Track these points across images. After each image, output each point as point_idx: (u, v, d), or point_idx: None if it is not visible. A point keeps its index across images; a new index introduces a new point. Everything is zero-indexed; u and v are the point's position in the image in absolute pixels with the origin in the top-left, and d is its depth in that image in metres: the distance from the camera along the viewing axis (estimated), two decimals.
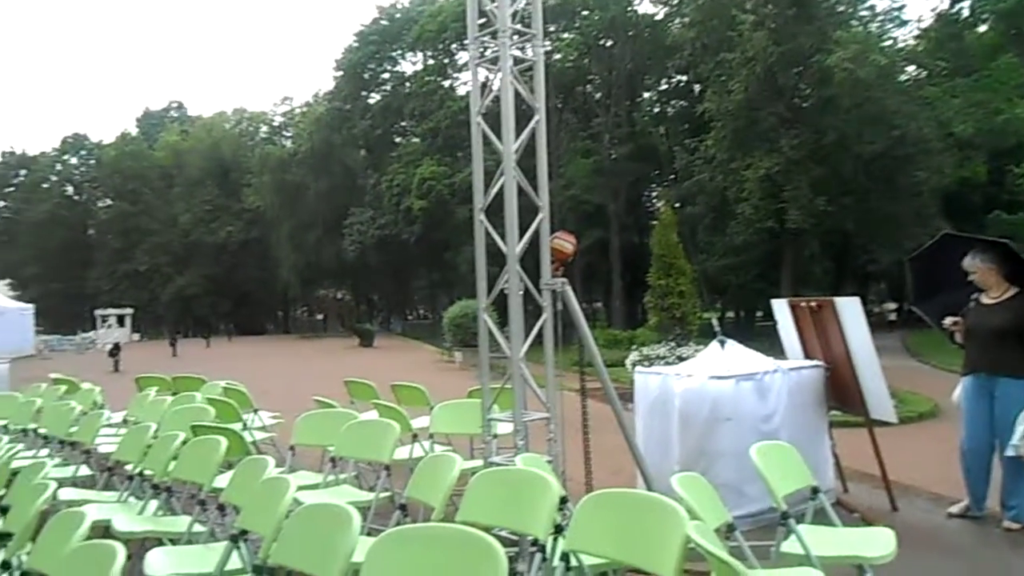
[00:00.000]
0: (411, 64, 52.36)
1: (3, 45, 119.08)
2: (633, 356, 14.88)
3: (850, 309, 5.84)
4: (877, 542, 3.47)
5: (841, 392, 6.06)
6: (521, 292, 5.11)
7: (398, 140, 52.54)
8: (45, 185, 70.07)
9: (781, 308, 6.70)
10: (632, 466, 5.26)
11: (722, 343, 6.03)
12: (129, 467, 5.14)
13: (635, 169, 39.83)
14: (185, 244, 63.15)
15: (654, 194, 44.16)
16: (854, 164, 27.65)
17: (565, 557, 2.90)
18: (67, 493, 4.87)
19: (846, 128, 26.92)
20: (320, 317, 67.36)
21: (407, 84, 51.23)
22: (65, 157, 72.37)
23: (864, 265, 39.04)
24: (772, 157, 27.36)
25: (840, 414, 6.54)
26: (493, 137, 5.22)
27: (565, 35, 42.18)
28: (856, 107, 26.58)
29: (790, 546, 3.45)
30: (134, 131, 72.71)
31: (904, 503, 5.96)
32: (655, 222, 21.77)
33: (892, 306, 42.66)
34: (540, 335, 5.12)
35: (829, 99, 26.90)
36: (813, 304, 6.20)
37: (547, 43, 34.59)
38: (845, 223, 29.07)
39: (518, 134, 5.13)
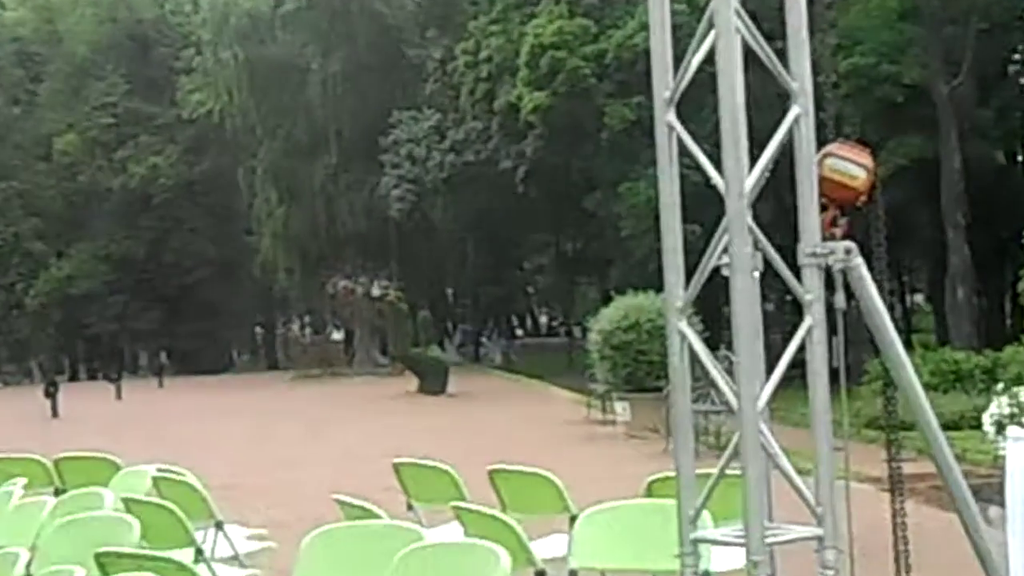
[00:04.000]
0: None
1: None
2: (998, 406, 13.81)
3: None
4: None
5: None
6: (758, 273, 4.72)
7: None
8: None
9: None
10: None
11: None
12: None
13: (991, 6, 35.11)
14: (69, 194, 60.85)
15: None
16: None
17: None
18: None
19: None
20: (338, 336, 66.41)
21: None
22: None
23: None
24: None
25: None
26: None
27: None
28: None
29: None
30: None
31: None
32: None
33: None
34: (799, 364, 4.66)
35: None
36: None
37: None
38: None
39: None
